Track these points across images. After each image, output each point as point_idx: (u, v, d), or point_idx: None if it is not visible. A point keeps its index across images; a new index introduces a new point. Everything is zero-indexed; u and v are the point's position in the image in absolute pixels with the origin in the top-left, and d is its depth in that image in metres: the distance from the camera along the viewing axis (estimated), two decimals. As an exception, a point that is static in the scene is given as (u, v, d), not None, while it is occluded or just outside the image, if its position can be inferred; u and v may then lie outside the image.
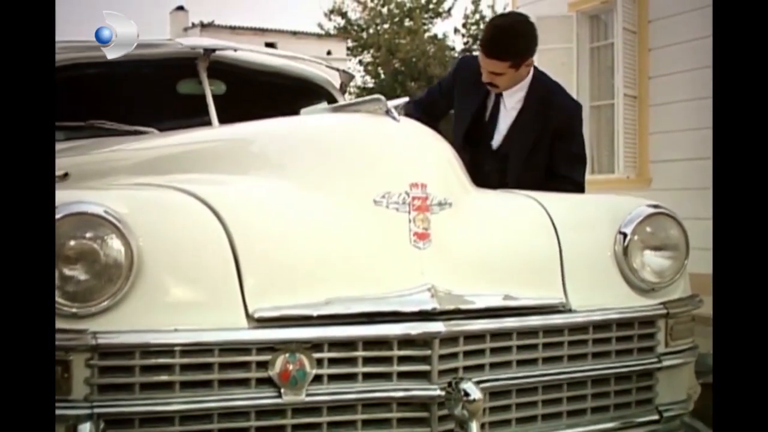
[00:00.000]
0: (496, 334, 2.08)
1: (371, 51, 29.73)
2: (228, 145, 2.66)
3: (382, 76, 29.65)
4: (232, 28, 25.93)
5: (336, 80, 4.11)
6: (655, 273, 2.34)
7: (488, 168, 3.24)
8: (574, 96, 9.01)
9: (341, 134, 2.25)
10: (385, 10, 29.78)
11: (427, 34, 29.50)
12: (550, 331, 2.16)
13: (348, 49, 28.36)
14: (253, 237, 1.98)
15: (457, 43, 30.21)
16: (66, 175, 2.95)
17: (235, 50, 3.64)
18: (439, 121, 3.29)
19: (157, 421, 1.82)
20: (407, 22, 29.45)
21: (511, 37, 3.15)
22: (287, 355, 1.89)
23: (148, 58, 3.54)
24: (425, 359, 1.98)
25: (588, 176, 9.48)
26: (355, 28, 30.25)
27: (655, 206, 2.40)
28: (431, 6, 29.99)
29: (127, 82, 3.64)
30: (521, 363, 2.12)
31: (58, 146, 3.29)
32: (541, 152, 3.23)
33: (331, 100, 4.09)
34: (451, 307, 2.00)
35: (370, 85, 30.29)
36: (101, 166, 3.04)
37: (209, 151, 2.62)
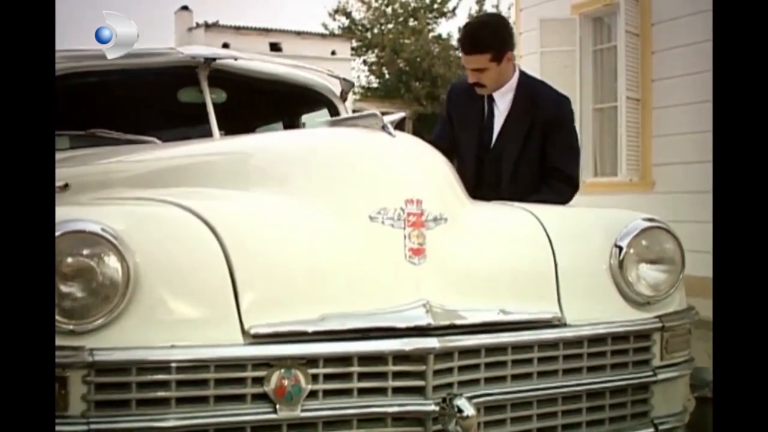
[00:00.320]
0: (491, 349, 2.09)
1: (375, 51, 29.72)
2: (227, 158, 2.67)
3: (387, 76, 29.66)
4: (237, 28, 25.91)
5: (337, 88, 4.12)
6: (651, 286, 2.35)
7: (487, 171, 3.31)
8: (577, 98, 9.06)
9: (338, 150, 2.27)
10: (389, 9, 29.77)
11: (431, 34, 29.49)
12: (545, 345, 2.17)
13: (352, 49, 28.35)
14: (249, 253, 2.00)
15: (462, 42, 30.11)
16: (66, 185, 2.97)
17: (236, 59, 3.65)
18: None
19: (153, 437, 1.83)
20: (412, 22, 29.44)
21: (486, 29, 3.33)
22: (282, 370, 1.90)
23: (149, 66, 3.56)
24: (420, 374, 1.99)
25: (591, 179, 9.49)
26: (360, 28, 30.25)
27: (651, 220, 2.41)
28: (436, 6, 29.97)
29: (129, 91, 3.66)
30: (516, 377, 2.13)
31: (60, 155, 3.32)
32: (533, 148, 3.29)
33: (332, 107, 4.11)
34: (446, 322, 2.01)
35: (375, 85, 30.31)
36: (101, 177, 3.06)
37: (208, 165, 2.63)
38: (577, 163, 3.38)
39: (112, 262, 1.83)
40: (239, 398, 1.89)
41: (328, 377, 1.94)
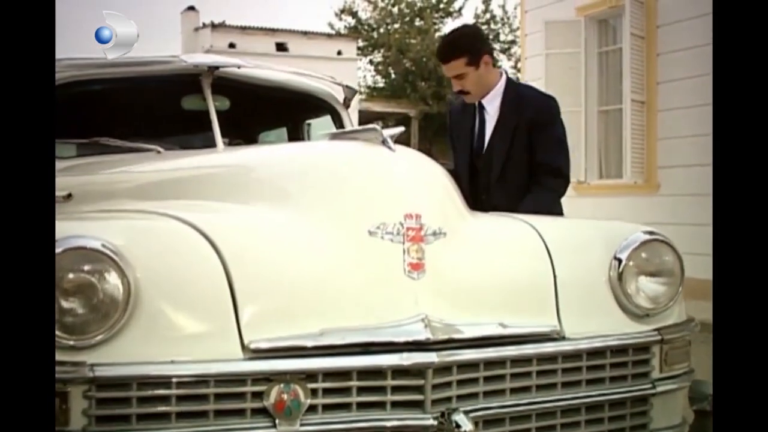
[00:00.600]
0: (490, 363, 2.10)
1: (382, 51, 29.74)
2: (228, 171, 2.69)
3: (393, 75, 29.67)
4: (243, 28, 25.93)
5: (340, 95, 4.14)
6: (650, 299, 2.36)
7: (481, 177, 3.40)
8: (581, 101, 9.05)
9: (337, 165, 2.28)
10: (395, 9, 29.79)
11: (437, 34, 29.42)
12: (543, 359, 2.18)
13: (358, 48, 28.33)
14: (249, 268, 2.01)
15: (468, 42, 30.10)
16: (69, 195, 2.99)
17: (239, 67, 3.66)
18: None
19: (153, 451, 1.85)
20: (418, 22, 29.45)
21: (457, 35, 3.60)
22: (282, 385, 1.92)
23: (153, 74, 3.58)
24: (419, 389, 2.00)
25: (596, 181, 9.47)
26: (366, 27, 30.26)
27: (651, 233, 2.42)
28: (442, 5, 29.98)
29: (133, 99, 3.67)
30: (515, 391, 2.14)
31: (64, 163, 3.35)
32: (519, 148, 3.35)
33: (335, 114, 4.12)
34: (445, 337, 2.02)
35: (381, 85, 30.32)
36: (104, 188, 3.07)
37: (209, 178, 2.64)
38: (566, 156, 3.42)
39: (112, 278, 1.85)
40: (239, 413, 1.91)
41: (327, 392, 1.96)
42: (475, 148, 3.44)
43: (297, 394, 1.92)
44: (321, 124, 4.20)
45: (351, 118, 4.19)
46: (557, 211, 3.33)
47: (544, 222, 2.48)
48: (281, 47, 25.88)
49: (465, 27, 3.97)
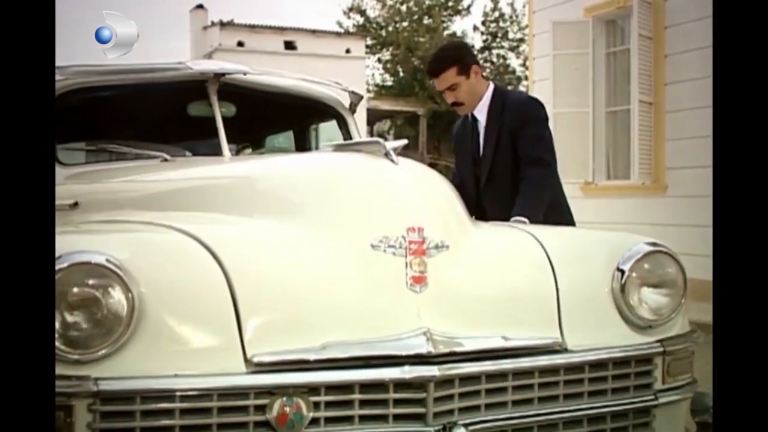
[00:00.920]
0: (492, 376, 2.11)
1: (390, 49, 29.76)
2: (232, 183, 2.70)
3: (401, 73, 29.68)
4: (251, 27, 25.99)
5: (346, 100, 4.15)
6: (652, 310, 2.37)
7: (481, 186, 3.51)
8: (589, 101, 9.02)
9: (341, 178, 2.29)
10: (404, 7, 29.80)
11: (446, 32, 29.46)
12: (545, 371, 2.18)
13: (367, 47, 28.35)
14: (253, 282, 2.02)
15: (477, 40, 30.20)
16: (76, 204, 3.02)
17: (245, 74, 3.68)
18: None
19: (157, 465, 1.86)
20: (426, 20, 29.46)
21: (445, 48, 4.03)
22: (284, 398, 1.93)
23: (159, 81, 3.60)
24: (421, 401, 2.01)
25: (603, 182, 9.43)
26: (374, 26, 30.29)
27: (654, 244, 2.42)
28: (450, 4, 29.97)
29: (139, 105, 3.70)
30: (517, 403, 2.15)
31: (71, 170, 3.38)
32: (504, 150, 3.47)
33: (341, 119, 4.14)
34: (446, 350, 2.03)
35: (389, 83, 30.32)
36: (111, 197, 3.10)
37: (214, 189, 2.66)
38: (546, 147, 3.51)
39: (117, 293, 1.87)
40: (242, 426, 1.92)
41: (329, 405, 1.97)
42: (474, 158, 3.57)
43: (300, 407, 1.94)
44: (328, 128, 4.22)
45: (357, 123, 4.20)
46: (558, 207, 3.47)
47: (546, 232, 2.49)
48: (290, 45, 25.92)
49: (452, 41, 4.35)
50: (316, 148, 4.39)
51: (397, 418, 2.01)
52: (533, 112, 3.55)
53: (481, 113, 3.55)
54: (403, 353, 2.01)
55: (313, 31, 26.70)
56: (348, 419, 1.99)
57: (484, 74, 3.68)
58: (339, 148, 2.43)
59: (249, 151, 4.25)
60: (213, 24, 26.30)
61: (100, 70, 3.50)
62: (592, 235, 2.63)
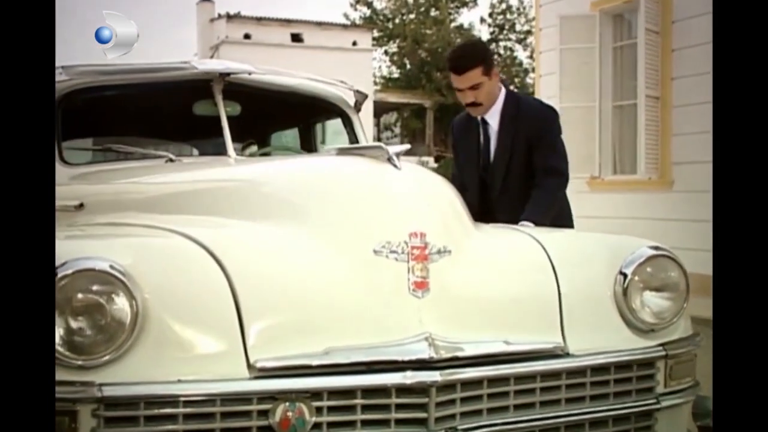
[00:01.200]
0: (494, 380, 2.12)
1: (397, 41, 29.71)
2: (235, 186, 2.71)
3: (408, 66, 29.65)
4: (258, 19, 25.99)
5: (351, 99, 4.16)
6: (655, 314, 2.37)
7: (489, 190, 3.50)
8: (596, 96, 8.99)
9: (343, 183, 2.29)
10: (410, 0, 29.72)
11: (453, 24, 29.41)
12: (547, 375, 2.19)
13: (373, 39, 28.32)
14: (255, 287, 2.04)
15: (483, 32, 30.14)
16: (81, 205, 3.03)
17: (250, 73, 3.68)
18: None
19: (161, 469, 1.88)
20: (433, 12, 29.38)
21: (471, 46, 3.96)
22: (287, 403, 1.94)
23: (165, 81, 3.61)
24: (422, 406, 2.02)
25: (610, 176, 9.38)
26: (381, 18, 30.24)
27: (657, 248, 2.43)
28: (457, -5, 29.87)
29: (144, 105, 3.72)
30: (519, 407, 2.16)
31: (77, 170, 3.39)
32: (518, 159, 3.45)
33: (346, 118, 4.15)
34: (448, 355, 2.04)
35: (396, 76, 30.29)
36: (115, 198, 3.11)
37: (218, 192, 2.67)
38: (562, 157, 3.52)
39: (120, 299, 1.88)
40: (245, 431, 1.93)
41: (332, 409, 1.98)
42: (482, 163, 3.52)
43: (302, 412, 1.95)
44: (335, 123, 4.23)
45: (362, 122, 4.20)
46: (560, 210, 3.46)
47: (548, 236, 2.49)
48: (296, 38, 25.91)
49: (476, 40, 4.21)
50: (323, 142, 4.41)
51: (399, 422, 2.02)
52: (550, 122, 3.52)
53: (493, 117, 3.50)
54: (405, 358, 2.02)
55: (320, 24, 26.69)
56: (350, 424, 2.00)
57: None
58: (342, 151, 2.44)
59: (254, 147, 4.26)
60: (220, 16, 26.31)
61: (105, 70, 3.51)
62: (594, 238, 2.63)
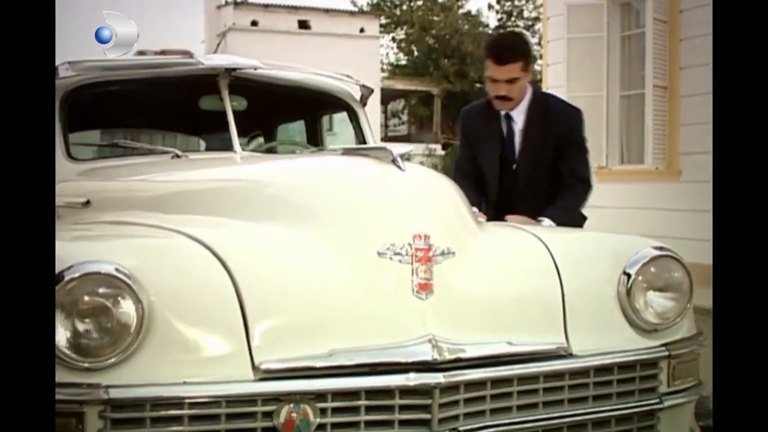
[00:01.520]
0: (497, 381, 2.13)
1: (404, 28, 29.63)
2: (240, 186, 2.72)
3: (415, 53, 29.57)
4: (265, 6, 25.91)
5: (356, 93, 4.16)
6: (658, 314, 2.38)
7: (511, 185, 3.45)
8: (603, 85, 8.95)
9: (347, 185, 2.30)
10: (418, -14, 29.62)
11: (460, 11, 29.30)
12: (550, 376, 2.20)
13: (381, 26, 28.22)
14: (260, 289, 2.05)
15: (491, 19, 30.07)
16: (88, 202, 3.05)
17: (256, 68, 3.70)
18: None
19: (167, 470, 1.91)
20: (441, -1, 29.27)
21: (517, 39, 3.64)
22: (292, 405, 1.96)
23: (171, 76, 3.63)
24: (426, 408, 2.04)
25: (617, 166, 9.35)
26: (389, 4, 30.14)
27: (660, 248, 2.43)
28: (465, -18, 29.75)
29: (151, 100, 3.74)
30: (522, 408, 2.17)
31: (83, 166, 3.41)
32: (546, 158, 3.42)
33: (351, 112, 4.15)
34: (451, 357, 2.05)
35: (403, 63, 30.22)
36: (121, 195, 3.13)
37: (223, 192, 2.67)
38: (588, 168, 3.52)
39: (126, 303, 1.90)
40: (249, 432, 1.96)
41: (336, 411, 2.00)
42: (504, 157, 3.46)
43: (306, 413, 1.97)
44: (342, 117, 4.24)
45: (368, 116, 4.21)
46: (581, 215, 3.45)
47: (552, 235, 2.50)
48: (303, 25, 25.84)
49: (520, 32, 3.99)
50: (330, 129, 4.42)
51: (403, 424, 2.04)
52: (580, 126, 3.49)
53: (519, 114, 3.43)
54: (409, 360, 2.03)
55: (327, 11, 26.60)
56: (354, 425, 2.02)
57: None
58: (347, 152, 2.44)
59: (261, 140, 4.28)
60: (227, 3, 26.23)
61: (112, 65, 3.52)
62: (597, 238, 2.64)
